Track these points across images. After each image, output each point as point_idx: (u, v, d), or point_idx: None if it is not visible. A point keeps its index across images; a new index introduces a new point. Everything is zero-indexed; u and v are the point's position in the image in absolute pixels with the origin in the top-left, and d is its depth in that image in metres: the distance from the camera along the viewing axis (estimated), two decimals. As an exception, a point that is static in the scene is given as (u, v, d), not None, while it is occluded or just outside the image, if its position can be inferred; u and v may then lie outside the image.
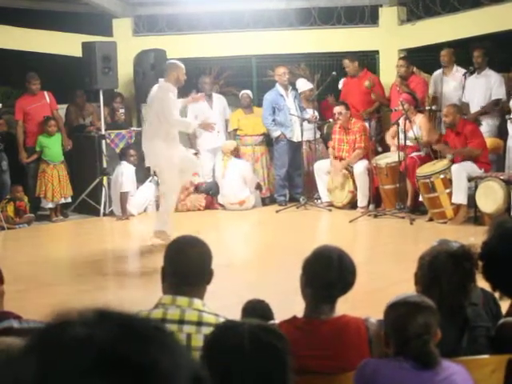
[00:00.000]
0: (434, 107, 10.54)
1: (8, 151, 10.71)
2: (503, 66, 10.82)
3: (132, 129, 11.47)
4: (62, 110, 11.50)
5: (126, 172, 10.58)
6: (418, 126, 10.02)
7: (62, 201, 10.87)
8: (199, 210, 10.99)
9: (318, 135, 11.23)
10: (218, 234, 9.58)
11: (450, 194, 9.27)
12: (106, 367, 0.92)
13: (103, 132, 11.02)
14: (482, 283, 3.28)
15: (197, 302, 3.00)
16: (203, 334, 2.81)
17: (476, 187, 9.11)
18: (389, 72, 11.22)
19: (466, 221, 9.27)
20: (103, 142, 10.99)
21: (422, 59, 11.79)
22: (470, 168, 9.25)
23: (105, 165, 10.96)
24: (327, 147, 11.19)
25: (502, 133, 10.22)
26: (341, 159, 10.71)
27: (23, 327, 2.99)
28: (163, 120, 8.12)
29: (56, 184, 10.71)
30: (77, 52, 11.09)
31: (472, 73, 10.37)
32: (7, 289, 3.34)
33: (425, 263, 3.18)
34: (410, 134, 9.76)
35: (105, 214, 10.77)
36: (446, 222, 9.33)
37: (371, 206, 10.24)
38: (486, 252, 3.22)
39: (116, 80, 11.04)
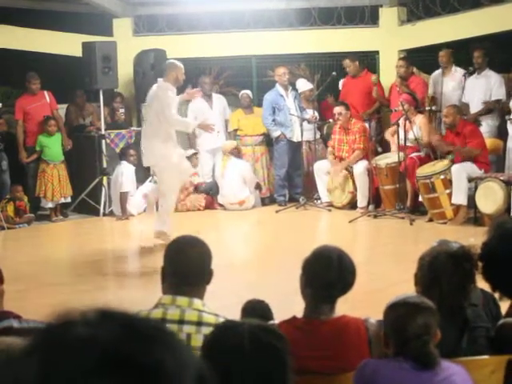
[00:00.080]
0: (433, 108, 10.55)
1: (8, 151, 10.71)
2: (503, 67, 10.82)
3: (132, 129, 11.47)
4: (61, 109, 11.50)
5: (125, 172, 10.58)
6: (418, 127, 10.02)
7: (62, 200, 10.87)
8: (199, 210, 10.99)
9: (317, 135, 11.23)
10: (217, 234, 9.58)
11: (449, 195, 9.27)
12: (110, 367, 0.92)
13: (103, 132, 11.02)
14: (481, 284, 3.28)
15: (197, 302, 3.00)
16: (203, 334, 2.81)
17: (476, 188, 9.11)
18: (389, 72, 11.22)
19: (465, 221, 9.27)
20: (103, 141, 10.99)
21: (422, 60, 11.79)
22: (470, 169, 9.25)
23: (105, 165, 10.96)
24: (327, 147, 11.19)
25: (501, 133, 10.22)
26: (340, 159, 10.71)
27: (23, 327, 2.99)
28: (163, 120, 8.11)
29: (56, 184, 10.71)
30: (77, 52, 11.09)
31: (472, 73, 10.37)
32: (7, 288, 3.34)
33: (425, 264, 3.18)
34: (410, 135, 9.76)
35: (105, 214, 10.77)
36: (445, 223, 9.33)
37: (371, 207, 10.23)
38: (485, 253, 3.22)
39: (116, 80, 11.04)
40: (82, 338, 0.94)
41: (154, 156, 8.27)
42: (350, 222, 9.65)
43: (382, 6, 11.77)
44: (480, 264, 3.18)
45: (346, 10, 11.81)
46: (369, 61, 11.90)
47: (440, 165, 9.48)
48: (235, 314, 3.63)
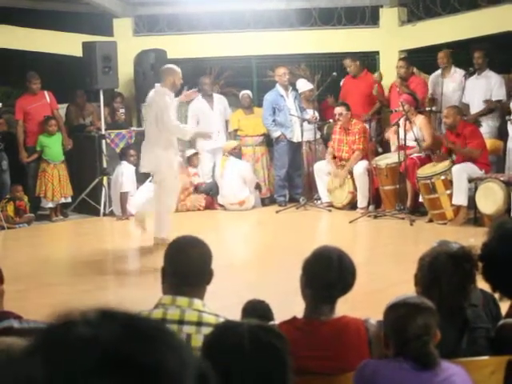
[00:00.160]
0: (433, 108, 10.55)
1: (8, 151, 10.71)
2: (503, 67, 10.82)
3: (132, 129, 11.46)
4: (62, 109, 11.50)
5: (126, 172, 10.57)
6: (419, 127, 10.02)
7: (62, 200, 10.87)
8: (199, 210, 10.99)
9: (318, 136, 11.22)
10: (217, 235, 9.58)
11: (450, 195, 9.27)
12: (111, 367, 0.92)
13: (103, 132, 11.02)
14: (481, 284, 3.28)
15: (197, 302, 3.00)
16: (203, 334, 2.81)
17: (476, 188, 9.11)
18: (389, 73, 11.21)
19: (465, 222, 9.27)
20: (103, 141, 10.99)
21: (422, 60, 11.79)
22: (470, 169, 9.25)
23: (105, 165, 10.96)
24: (327, 148, 11.19)
25: (502, 134, 10.22)
26: (340, 159, 10.71)
27: (23, 327, 2.99)
28: (161, 127, 8.08)
29: (56, 183, 10.71)
30: (77, 52, 11.09)
31: (472, 74, 10.37)
32: (7, 288, 3.34)
33: (425, 264, 3.18)
34: (411, 136, 9.76)
35: (105, 214, 10.77)
36: (445, 223, 9.33)
37: (371, 207, 10.23)
38: (485, 253, 3.22)
39: (116, 80, 11.04)
40: (83, 337, 0.95)
41: (155, 161, 8.20)
42: (350, 222, 9.65)
43: (382, 6, 11.78)
44: (480, 264, 3.18)
45: (346, 10, 11.82)
46: (369, 61, 11.90)
47: (441, 165, 9.48)
48: (235, 315, 3.64)
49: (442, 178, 9.30)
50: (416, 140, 9.84)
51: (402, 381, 2.68)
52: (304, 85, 11.48)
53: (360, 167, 10.41)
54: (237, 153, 11.23)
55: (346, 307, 3.28)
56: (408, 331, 2.69)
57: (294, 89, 11.31)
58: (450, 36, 10.94)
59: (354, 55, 11.40)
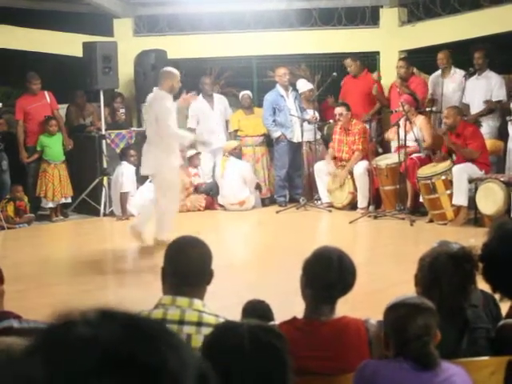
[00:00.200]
0: (434, 108, 10.55)
1: (8, 151, 10.71)
2: (504, 68, 10.82)
3: (132, 129, 11.46)
4: (62, 109, 11.50)
5: (126, 172, 10.57)
6: (419, 128, 10.02)
7: (63, 200, 10.87)
8: (199, 210, 10.98)
9: (318, 136, 11.22)
10: (218, 235, 9.58)
11: (450, 196, 9.27)
12: (111, 367, 0.92)
13: (103, 132, 11.02)
14: (482, 285, 3.28)
15: (197, 302, 3.00)
16: (203, 334, 2.80)
17: (476, 189, 9.11)
18: (389, 73, 11.22)
19: (466, 222, 9.27)
20: (103, 142, 10.99)
21: (422, 60, 11.79)
22: (470, 169, 9.25)
23: (105, 165, 10.96)
24: (328, 148, 11.20)
25: (502, 134, 10.23)
26: (340, 160, 10.71)
27: (23, 327, 2.99)
28: (161, 132, 8.06)
29: (57, 184, 10.71)
30: (77, 52, 11.09)
31: (472, 74, 10.37)
32: (7, 288, 3.34)
33: (425, 264, 3.18)
34: (411, 136, 9.76)
35: (105, 214, 10.76)
36: (446, 224, 9.33)
37: (371, 207, 10.23)
38: (486, 253, 3.22)
39: (116, 80, 11.04)
40: (83, 337, 0.95)
41: (154, 165, 8.17)
42: (350, 222, 9.65)
43: (382, 6, 11.77)
44: (480, 265, 3.18)
45: (346, 10, 11.82)
46: (369, 61, 11.89)
47: (441, 165, 9.48)
48: (236, 315, 3.63)
49: (443, 178, 9.30)
50: (416, 140, 9.84)
51: (402, 381, 2.68)
52: (304, 85, 11.48)
53: (360, 167, 10.41)
54: (237, 153, 11.23)
55: (346, 307, 3.28)
56: (408, 331, 2.69)
57: (295, 89, 11.31)
58: (449, 36, 10.94)
59: (354, 55, 11.40)
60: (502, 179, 9.02)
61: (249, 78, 12.63)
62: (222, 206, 11.17)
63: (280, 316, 3.57)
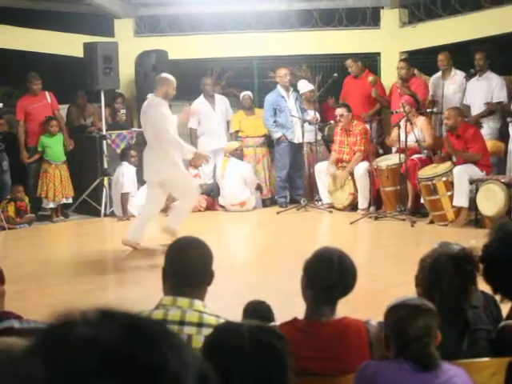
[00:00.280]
0: (434, 109, 10.56)
1: (9, 151, 10.71)
2: (504, 69, 10.82)
3: (133, 129, 11.46)
4: (63, 110, 11.51)
5: (126, 173, 10.57)
6: (420, 129, 10.02)
7: (64, 201, 10.87)
8: (200, 211, 10.97)
9: (319, 137, 11.22)
10: (218, 236, 9.58)
11: (451, 197, 9.27)
12: (112, 367, 0.92)
13: (104, 132, 11.02)
14: (482, 286, 3.28)
15: (197, 303, 3.00)
16: (204, 335, 2.80)
17: (477, 190, 9.11)
18: (390, 74, 11.22)
19: (466, 223, 9.27)
20: (104, 142, 10.99)
21: (423, 61, 11.79)
22: (471, 171, 9.25)
23: (106, 165, 10.96)
24: (329, 149, 11.20)
25: (503, 135, 10.22)
26: (341, 161, 10.71)
27: (24, 327, 2.99)
28: (160, 138, 8.03)
29: (58, 184, 10.71)
30: (78, 52, 11.09)
31: (473, 75, 10.37)
32: (8, 289, 3.34)
33: (426, 265, 3.18)
34: (412, 137, 9.76)
35: (105, 215, 10.76)
36: (446, 225, 9.33)
37: (372, 208, 10.23)
38: (486, 255, 3.22)
39: (117, 80, 11.04)
40: (83, 337, 0.95)
41: (157, 171, 8.16)
42: (350, 223, 9.65)
43: (383, 7, 11.78)
44: (481, 266, 3.18)
45: (347, 11, 11.82)
46: (370, 62, 11.90)
47: (442, 167, 9.48)
48: (236, 315, 3.63)
49: (444, 179, 9.30)
50: (417, 141, 9.83)
51: (403, 382, 2.67)
52: (305, 86, 11.48)
53: (361, 168, 10.41)
54: (238, 154, 11.23)
55: (346, 308, 3.28)
56: (409, 333, 2.69)
57: (295, 90, 11.31)
58: (450, 37, 10.94)
59: (354, 56, 11.40)
60: (502, 180, 9.02)
61: (249, 78, 12.63)
62: (222, 206, 11.16)
63: (281, 317, 3.57)
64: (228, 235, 10.37)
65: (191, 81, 11.94)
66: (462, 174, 9.19)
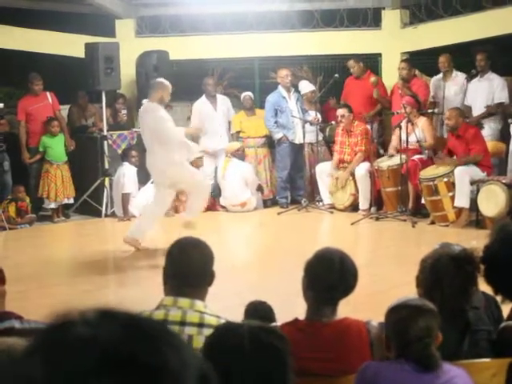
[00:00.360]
0: (435, 110, 10.56)
1: (10, 151, 10.72)
2: (506, 70, 10.82)
3: (134, 130, 11.45)
4: (64, 110, 11.51)
5: (127, 173, 10.57)
6: (421, 129, 10.02)
7: (65, 201, 10.88)
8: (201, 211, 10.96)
9: (320, 137, 11.21)
10: (219, 236, 9.57)
11: (452, 198, 9.27)
12: (111, 367, 0.92)
13: (105, 133, 11.02)
14: (483, 287, 3.28)
15: (198, 303, 3.00)
16: (204, 335, 2.81)
17: (478, 191, 9.10)
18: (391, 75, 11.22)
19: (467, 224, 9.27)
20: (105, 142, 10.99)
21: (424, 62, 11.79)
22: (472, 172, 9.25)
23: (107, 166, 10.96)
24: (330, 150, 11.19)
25: (504, 136, 10.23)
26: (342, 162, 10.71)
27: (25, 328, 2.99)
28: (164, 140, 8.02)
29: (59, 184, 10.72)
30: (79, 53, 11.09)
31: (474, 76, 10.37)
32: (8, 289, 3.34)
33: (427, 266, 3.17)
34: (413, 138, 9.76)
35: (106, 215, 10.77)
36: (447, 225, 9.32)
37: (373, 209, 10.22)
38: (487, 255, 3.22)
39: (118, 81, 11.04)
40: (82, 337, 0.95)
41: (164, 175, 8.18)
42: (352, 224, 9.65)
43: (384, 8, 11.78)
44: (482, 267, 3.18)
45: (348, 12, 11.83)
46: (371, 63, 11.90)
47: (443, 168, 9.48)
48: (237, 316, 3.63)
49: (445, 180, 9.29)
50: (418, 142, 9.83)
51: (404, 383, 2.67)
52: (306, 86, 11.49)
53: (362, 169, 10.41)
54: (240, 154, 11.23)
55: (347, 309, 3.28)
56: (409, 333, 2.69)
57: (296, 90, 11.31)
58: (451, 38, 10.94)
59: (356, 57, 11.40)
60: (503, 181, 9.02)
61: (251, 79, 12.64)
62: (223, 207, 11.16)
63: (282, 317, 3.57)
64: (229, 236, 10.36)
65: (192, 81, 11.95)
66: (463, 174, 9.19)
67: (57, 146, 10.80)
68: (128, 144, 11.14)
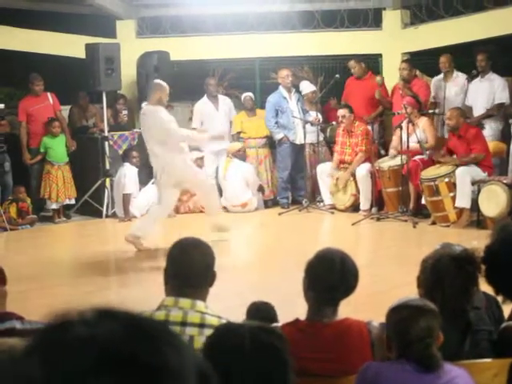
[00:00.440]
0: (436, 110, 10.56)
1: (11, 152, 10.72)
2: (507, 70, 10.81)
3: (135, 130, 11.46)
4: (65, 111, 11.51)
5: (128, 173, 10.57)
6: (422, 130, 10.01)
7: (67, 202, 10.88)
8: (201, 211, 10.95)
9: (321, 138, 11.22)
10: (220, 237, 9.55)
11: (453, 198, 9.26)
12: (109, 366, 0.92)
13: (106, 133, 11.03)
14: (484, 287, 3.27)
15: (199, 304, 3.00)
16: (206, 336, 2.80)
17: (479, 191, 9.10)
18: (392, 75, 11.21)
19: (468, 224, 9.26)
20: (106, 143, 11.00)
21: (425, 63, 11.79)
22: (474, 172, 9.25)
23: (107, 166, 10.96)
24: (331, 151, 11.19)
25: (505, 136, 10.23)
26: (343, 162, 10.71)
27: (26, 328, 3.00)
28: (168, 139, 8.03)
29: (61, 185, 10.72)
30: (80, 53, 11.10)
31: (475, 77, 10.36)
32: (10, 289, 3.34)
33: (428, 266, 3.17)
34: (413, 138, 9.75)
35: (107, 216, 10.77)
36: (448, 226, 9.32)
37: (374, 209, 10.21)
38: (488, 256, 3.22)
39: (119, 81, 11.04)
40: (81, 337, 0.95)
41: (167, 171, 8.21)
42: (352, 224, 9.65)
43: (385, 8, 11.78)
44: (483, 267, 3.18)
45: (349, 12, 11.83)
46: (372, 63, 11.89)
47: (444, 168, 9.47)
48: (238, 316, 3.63)
49: (446, 180, 9.29)
50: (419, 142, 9.83)
51: (405, 383, 2.67)
52: (307, 87, 11.49)
53: (363, 169, 10.40)
54: (241, 155, 11.23)
55: (348, 309, 3.28)
56: (410, 333, 2.69)
57: (297, 91, 11.31)
58: (452, 39, 10.93)
59: (357, 57, 11.40)
60: (504, 181, 9.01)
61: (251, 79, 12.64)
62: (224, 207, 11.15)
63: (282, 317, 3.57)
64: (230, 236, 10.34)
65: (193, 82, 11.96)
66: (465, 175, 9.18)
67: (58, 147, 10.80)
68: (129, 144, 11.14)
